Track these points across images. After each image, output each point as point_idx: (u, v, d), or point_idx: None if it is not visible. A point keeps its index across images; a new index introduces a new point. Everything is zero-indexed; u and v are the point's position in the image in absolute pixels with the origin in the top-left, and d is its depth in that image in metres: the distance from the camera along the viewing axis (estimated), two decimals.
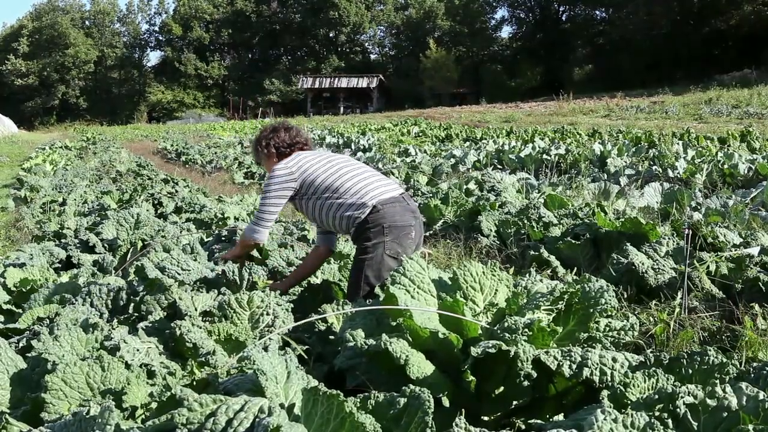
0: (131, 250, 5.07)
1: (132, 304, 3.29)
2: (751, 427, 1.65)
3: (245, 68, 69.05)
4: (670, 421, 1.68)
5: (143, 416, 2.08)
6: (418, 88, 54.93)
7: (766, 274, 3.85)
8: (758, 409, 1.68)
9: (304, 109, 53.51)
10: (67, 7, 70.11)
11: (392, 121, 30.63)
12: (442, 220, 6.57)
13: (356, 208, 3.30)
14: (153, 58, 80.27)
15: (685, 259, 3.71)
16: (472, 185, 8.55)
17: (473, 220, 6.00)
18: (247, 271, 3.68)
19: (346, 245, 4.39)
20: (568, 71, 54.57)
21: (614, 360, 2.19)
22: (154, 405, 2.06)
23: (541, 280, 2.82)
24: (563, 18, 60.02)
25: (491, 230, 5.68)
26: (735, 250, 4.26)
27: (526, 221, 5.52)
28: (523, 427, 2.31)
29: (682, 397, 1.75)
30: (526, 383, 2.23)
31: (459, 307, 2.46)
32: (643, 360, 2.20)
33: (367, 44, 70.25)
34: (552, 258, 4.65)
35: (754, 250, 4.14)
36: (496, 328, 2.40)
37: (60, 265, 4.72)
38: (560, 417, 2.26)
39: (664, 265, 4.12)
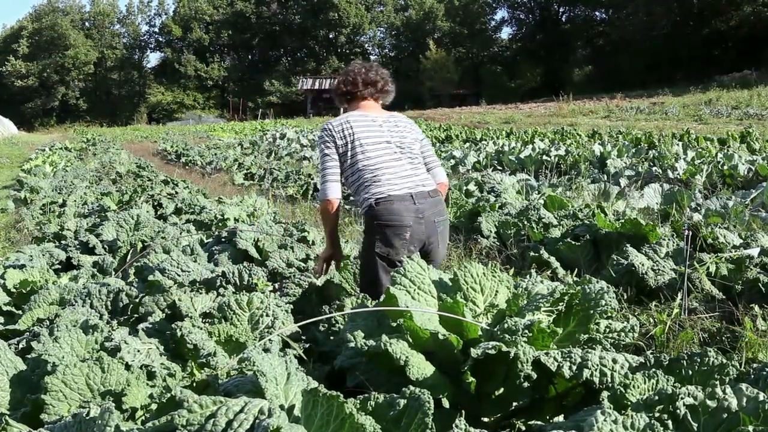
0: (131, 251, 5.07)
1: (132, 306, 3.29)
2: (751, 428, 1.65)
3: (245, 69, 69.06)
4: (670, 423, 1.68)
5: (143, 417, 2.08)
6: (418, 89, 54.90)
7: (766, 275, 3.85)
8: (758, 410, 1.68)
9: (304, 110, 53.49)
10: (67, 8, 70.12)
11: None
12: None
13: (362, 199, 3.32)
14: (153, 59, 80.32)
15: (685, 260, 3.71)
16: (472, 186, 8.54)
17: (473, 221, 5.99)
18: (247, 272, 3.69)
19: (345, 246, 4.39)
20: (568, 72, 54.65)
21: (614, 361, 2.19)
22: (154, 406, 2.06)
23: (541, 282, 2.82)
24: (563, 19, 60.09)
25: (491, 231, 5.67)
26: (735, 251, 4.26)
27: (526, 222, 5.52)
28: (523, 428, 2.31)
29: (682, 398, 1.75)
30: (526, 384, 2.23)
31: (459, 308, 2.46)
32: (643, 361, 2.19)
33: (366, 45, 70.34)
34: (552, 259, 4.64)
35: (754, 251, 4.14)
36: (496, 329, 2.40)
37: (60, 267, 4.72)
38: (560, 418, 2.26)
39: (664, 266, 4.12)
